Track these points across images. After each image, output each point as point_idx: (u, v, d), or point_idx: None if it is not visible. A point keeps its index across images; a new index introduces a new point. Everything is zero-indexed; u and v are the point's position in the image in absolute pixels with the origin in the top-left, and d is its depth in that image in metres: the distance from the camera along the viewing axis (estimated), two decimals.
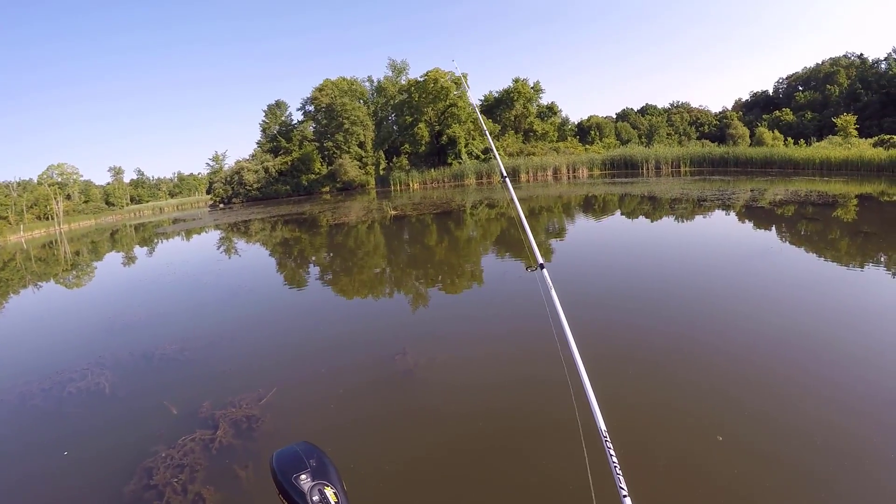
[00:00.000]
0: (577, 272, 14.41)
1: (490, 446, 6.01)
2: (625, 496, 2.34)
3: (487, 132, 5.60)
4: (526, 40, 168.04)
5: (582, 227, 22.74)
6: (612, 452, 2.52)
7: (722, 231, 20.51)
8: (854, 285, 12.21)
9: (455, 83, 56.75)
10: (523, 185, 43.02)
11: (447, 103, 59.13)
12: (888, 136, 48.83)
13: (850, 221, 20.65)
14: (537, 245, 3.98)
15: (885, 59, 70.71)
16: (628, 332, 9.38)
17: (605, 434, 2.62)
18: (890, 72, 67.41)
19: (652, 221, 23.23)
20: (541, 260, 3.72)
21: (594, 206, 28.67)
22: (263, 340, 10.69)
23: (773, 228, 20.42)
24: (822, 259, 15.22)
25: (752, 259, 15.13)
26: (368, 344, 9.90)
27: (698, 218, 23.65)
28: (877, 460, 5.38)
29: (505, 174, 4.87)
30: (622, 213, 26.11)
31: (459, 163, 58.08)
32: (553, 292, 3.36)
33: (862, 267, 13.99)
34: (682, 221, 22.99)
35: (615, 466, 2.45)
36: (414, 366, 8.28)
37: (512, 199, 4.43)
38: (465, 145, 58.59)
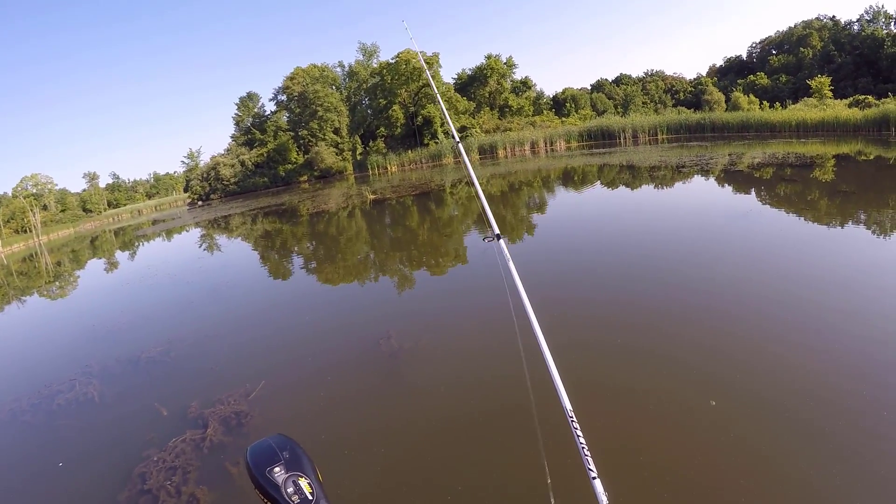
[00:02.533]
0: (558, 245, 14.51)
1: (472, 431, 6.05)
2: (594, 478, 2.30)
3: (441, 100, 5.44)
4: (497, 16, 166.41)
5: (563, 199, 22.80)
6: (580, 432, 2.48)
7: (701, 196, 20.64)
8: (836, 243, 12.41)
9: (428, 63, 56.44)
10: (501, 162, 42.96)
11: (420, 84, 58.81)
12: (863, 97, 49.41)
13: (829, 181, 20.83)
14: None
15: (858, 20, 71.13)
16: (609, 306, 9.44)
17: (571, 413, 2.57)
18: (863, 33, 67.95)
19: (632, 190, 23.34)
20: (497, 230, 3.61)
21: (574, 178, 28.73)
22: (249, 334, 10.68)
23: (753, 191, 20.58)
24: (802, 219, 15.37)
25: (733, 222, 15.27)
26: (353, 330, 9.94)
27: (678, 185, 23.77)
28: (872, 416, 5.49)
29: (458, 138, 4.83)
30: (602, 184, 26.18)
31: (436, 143, 57.81)
32: (511, 263, 3.29)
33: (842, 225, 14.19)
34: (662, 188, 23.12)
35: (583, 448, 2.42)
36: (399, 349, 8.32)
37: (465, 166, 4.33)
38: (441, 125, 58.33)
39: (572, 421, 2.52)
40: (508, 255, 3.37)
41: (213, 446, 6.33)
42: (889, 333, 7.15)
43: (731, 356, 7.00)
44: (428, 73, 5.89)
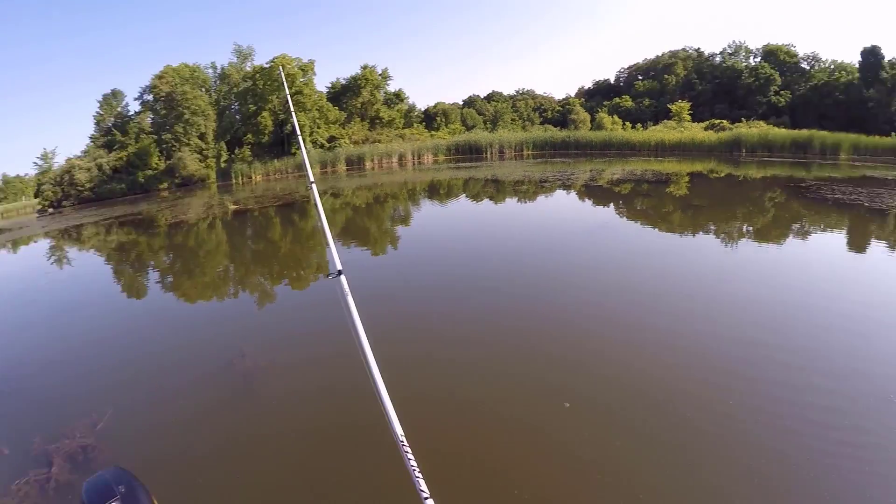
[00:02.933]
0: (420, 259, 14.90)
1: (325, 446, 6.29)
2: (426, 498, 2.42)
3: (297, 124, 5.64)
4: (378, 28, 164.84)
5: (428, 212, 23.26)
6: (411, 456, 2.59)
7: (561, 210, 21.86)
8: (688, 252, 13.98)
9: (302, 70, 55.78)
10: (368, 173, 43.11)
11: (293, 91, 57.78)
12: (718, 121, 55.83)
13: (682, 196, 22.59)
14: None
15: (720, 53, 79.39)
16: (460, 321, 9.92)
17: (402, 438, 2.68)
18: (724, 64, 76.30)
19: (496, 203, 24.23)
20: (339, 266, 3.71)
21: (439, 191, 29.36)
22: (98, 358, 10.31)
23: (612, 205, 21.98)
24: (657, 230, 16.81)
25: (589, 234, 16.37)
26: (207, 349, 9.93)
27: (540, 198, 24.92)
28: (704, 419, 6.28)
29: (312, 179, 4.83)
30: (467, 197, 26.93)
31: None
32: (350, 299, 3.42)
33: (694, 235, 15.71)
34: (525, 202, 24.14)
35: (414, 470, 2.53)
36: (252, 367, 8.46)
37: (316, 205, 4.41)
38: (311, 134, 57.64)
39: (403, 446, 2.63)
40: (348, 290, 3.51)
41: (59, 486, 6.12)
42: (726, 338, 8.12)
43: (579, 366, 7.64)
44: (286, 85, 5.97)
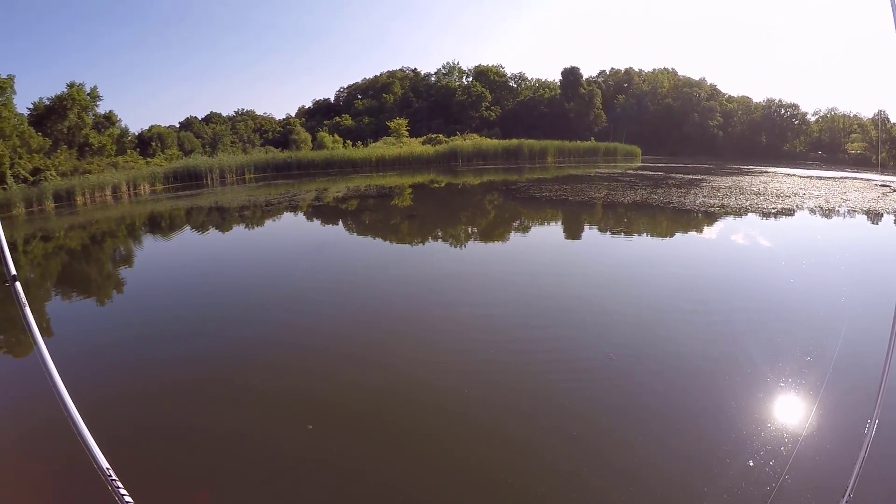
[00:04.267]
0: (148, 301, 14.21)
1: None
2: None
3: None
4: (88, 40, 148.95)
5: (150, 249, 22.15)
6: (124, 491, 2.41)
7: (289, 232, 22.05)
8: (413, 260, 15.07)
9: (0, 87, 48.96)
10: (80, 210, 39.41)
11: None
12: (435, 135, 60.33)
13: (407, 206, 24.03)
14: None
15: (435, 73, 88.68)
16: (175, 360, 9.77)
17: (110, 471, 2.44)
18: (438, 83, 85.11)
19: (223, 232, 23.72)
20: (13, 271, 3.08)
21: (161, 225, 27.96)
22: None
23: (340, 222, 22.68)
24: (385, 242, 17.93)
25: (312, 254, 16.91)
26: None
27: (267, 222, 24.89)
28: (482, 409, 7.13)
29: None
30: (191, 228, 26.05)
31: (4, 188, 50.12)
32: (27, 310, 2.95)
33: (423, 243, 17.13)
34: (252, 227, 23.99)
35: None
36: None
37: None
38: (11, 166, 50.68)
39: (112, 480, 2.42)
40: (25, 301, 2.98)
41: None
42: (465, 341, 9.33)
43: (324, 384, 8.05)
44: None
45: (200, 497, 5.62)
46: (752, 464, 5.67)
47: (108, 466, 2.44)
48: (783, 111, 77.40)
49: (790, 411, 6.92)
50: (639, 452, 6.12)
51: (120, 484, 2.40)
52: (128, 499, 2.38)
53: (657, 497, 5.43)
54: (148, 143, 66.28)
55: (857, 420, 3.48)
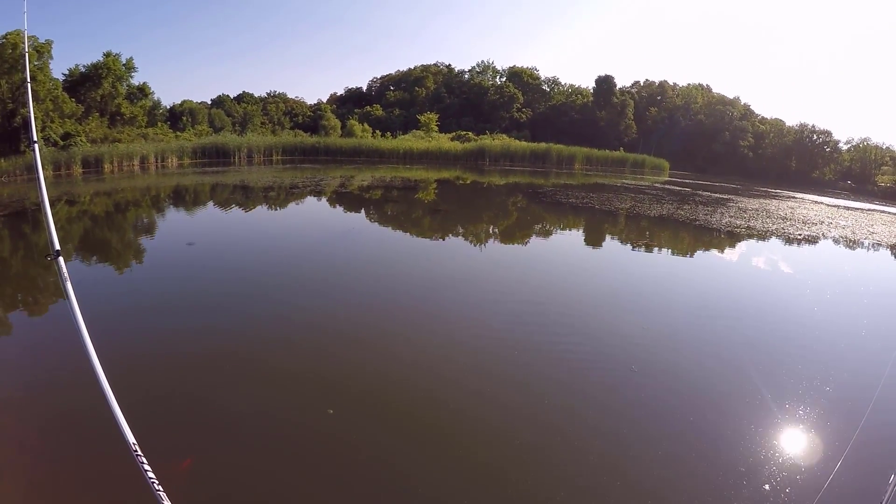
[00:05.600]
0: (168, 272, 14.22)
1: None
2: None
3: (34, 118, 4.99)
4: (122, 8, 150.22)
5: (173, 220, 22.22)
6: (148, 467, 2.44)
7: (312, 216, 22.03)
8: (433, 255, 14.98)
9: (37, 51, 49.28)
10: (107, 178, 39.57)
11: (24, 76, 50.86)
12: (464, 132, 59.94)
13: (430, 202, 23.93)
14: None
15: (469, 70, 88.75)
16: (208, 331, 9.75)
17: (136, 447, 2.50)
18: (471, 81, 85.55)
19: (246, 211, 23.71)
20: (57, 247, 3.25)
21: (185, 198, 28.06)
22: None
23: (363, 210, 22.64)
24: (406, 234, 17.83)
25: (334, 241, 16.84)
26: None
27: (291, 205, 24.88)
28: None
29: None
30: (215, 204, 26.13)
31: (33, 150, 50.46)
32: (69, 285, 3.05)
33: (444, 238, 17.02)
34: (275, 209, 23.99)
35: (153, 482, 2.41)
36: None
37: (39, 184, 4.23)
38: (43, 129, 51.18)
39: (138, 456, 2.46)
40: (67, 276, 3.13)
41: None
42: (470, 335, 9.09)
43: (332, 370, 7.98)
44: (28, 69, 5.24)
45: (184, 463, 5.62)
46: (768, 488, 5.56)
47: (135, 442, 2.49)
48: (815, 137, 76.78)
49: (811, 448, 6.83)
50: (654, 470, 6.10)
51: (144, 460, 2.44)
52: (151, 476, 2.42)
53: None
54: (179, 117, 66.56)
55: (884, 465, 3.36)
